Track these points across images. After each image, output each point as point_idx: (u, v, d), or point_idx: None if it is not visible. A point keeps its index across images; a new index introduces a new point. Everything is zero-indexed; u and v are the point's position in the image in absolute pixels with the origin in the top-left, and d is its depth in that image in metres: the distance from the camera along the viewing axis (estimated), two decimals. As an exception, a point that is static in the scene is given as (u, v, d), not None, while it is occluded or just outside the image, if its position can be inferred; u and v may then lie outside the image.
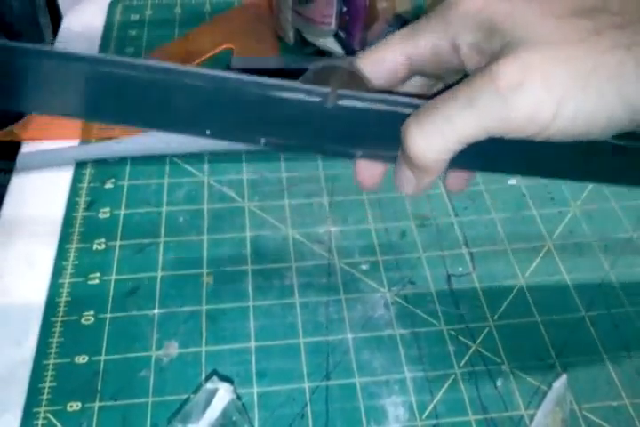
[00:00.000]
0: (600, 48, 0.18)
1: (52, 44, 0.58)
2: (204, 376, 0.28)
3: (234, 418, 0.22)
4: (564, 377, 0.25)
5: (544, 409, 0.24)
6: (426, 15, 0.22)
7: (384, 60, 0.23)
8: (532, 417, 0.26)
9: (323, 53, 0.45)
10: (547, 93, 0.18)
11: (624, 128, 0.18)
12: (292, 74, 0.24)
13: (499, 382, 0.28)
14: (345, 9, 0.42)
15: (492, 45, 0.19)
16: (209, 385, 0.23)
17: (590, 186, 0.37)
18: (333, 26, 0.43)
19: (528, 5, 0.19)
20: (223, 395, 0.23)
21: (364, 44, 0.45)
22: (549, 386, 0.27)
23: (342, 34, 0.44)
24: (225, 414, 0.22)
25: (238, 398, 0.25)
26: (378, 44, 0.23)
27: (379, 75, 0.23)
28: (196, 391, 0.25)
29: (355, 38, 0.44)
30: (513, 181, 0.37)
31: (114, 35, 0.47)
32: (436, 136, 0.19)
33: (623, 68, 0.17)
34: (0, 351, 0.29)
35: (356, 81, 0.25)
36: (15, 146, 0.39)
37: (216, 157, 0.38)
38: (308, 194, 0.36)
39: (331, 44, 0.45)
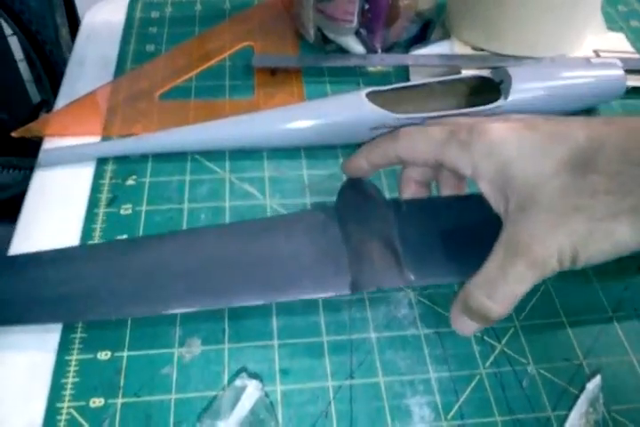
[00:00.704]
0: (596, 215, 0.21)
1: (70, 42, 0.58)
2: (227, 374, 0.27)
3: (261, 416, 0.22)
4: (597, 378, 0.25)
5: (578, 410, 0.24)
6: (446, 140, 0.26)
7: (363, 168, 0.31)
8: (559, 419, 0.25)
9: (344, 51, 0.45)
10: (556, 255, 0.22)
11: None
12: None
13: (525, 383, 0.27)
14: (367, 6, 0.42)
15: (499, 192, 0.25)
16: (238, 382, 0.23)
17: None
18: (355, 23, 0.43)
19: (529, 157, 0.23)
20: (252, 392, 0.22)
21: (385, 43, 0.45)
22: (579, 388, 0.26)
23: (363, 32, 0.44)
24: (253, 411, 0.22)
25: (266, 395, 0.25)
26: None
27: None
28: (223, 388, 0.24)
29: (376, 36, 0.44)
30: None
31: (134, 32, 0.47)
32: (504, 299, 0.24)
33: (615, 231, 0.21)
34: (23, 346, 0.29)
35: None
36: (35, 144, 0.39)
37: (237, 155, 0.38)
38: (329, 192, 0.36)
39: (352, 42, 0.44)
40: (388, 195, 0.35)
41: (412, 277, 0.28)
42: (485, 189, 0.25)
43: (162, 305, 0.29)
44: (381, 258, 0.29)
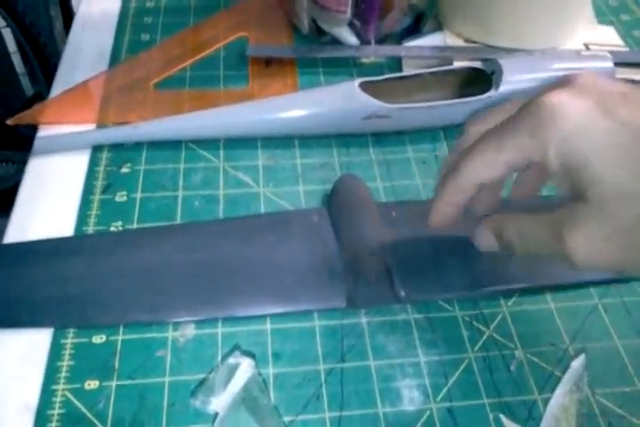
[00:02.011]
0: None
1: (64, 34, 0.58)
2: (220, 357, 0.28)
3: (254, 394, 0.23)
4: (581, 357, 0.26)
5: (563, 388, 0.24)
6: (516, 128, 0.23)
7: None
8: (545, 401, 0.26)
9: (338, 42, 0.45)
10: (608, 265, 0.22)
11: None
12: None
13: (512, 367, 0.28)
14: (361, -2, 0.42)
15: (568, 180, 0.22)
16: (231, 360, 0.23)
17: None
18: (348, 14, 0.43)
19: (606, 157, 0.21)
20: (245, 369, 0.23)
21: (379, 34, 0.45)
22: (563, 371, 0.27)
23: (357, 23, 0.44)
24: (246, 388, 0.22)
25: (259, 374, 0.25)
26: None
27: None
28: (217, 365, 0.25)
29: (369, 28, 0.44)
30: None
31: (129, 21, 0.47)
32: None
33: None
34: (20, 329, 0.29)
35: None
36: (29, 138, 0.39)
37: (231, 144, 0.38)
38: (322, 180, 0.36)
39: (345, 34, 0.45)
40: (383, 196, 0.36)
41: (402, 294, 0.29)
42: (556, 176, 0.23)
43: (165, 313, 0.29)
44: (375, 274, 0.30)
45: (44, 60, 1.02)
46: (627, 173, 0.20)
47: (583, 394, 0.24)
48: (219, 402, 0.22)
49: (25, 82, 1.09)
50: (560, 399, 0.24)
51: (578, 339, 0.29)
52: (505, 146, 0.24)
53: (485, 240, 0.26)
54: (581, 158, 0.21)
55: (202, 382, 0.24)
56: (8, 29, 0.99)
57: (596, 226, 0.21)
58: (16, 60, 1.07)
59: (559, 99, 0.22)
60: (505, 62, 0.39)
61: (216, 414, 0.23)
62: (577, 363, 0.25)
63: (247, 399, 0.23)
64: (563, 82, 0.24)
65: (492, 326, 0.29)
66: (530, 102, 0.23)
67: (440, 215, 0.27)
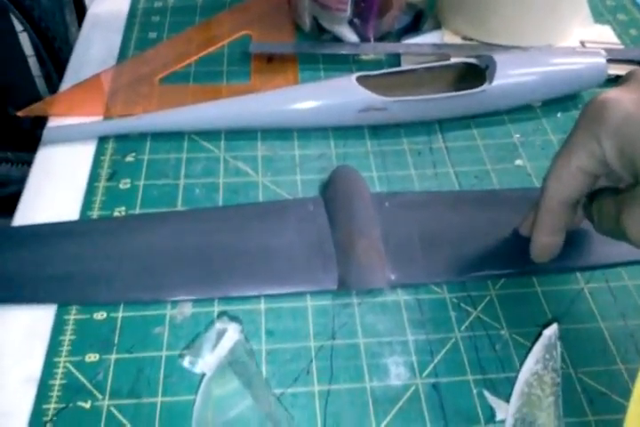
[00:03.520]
0: None
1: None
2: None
3: (242, 359, 0.24)
4: (554, 326, 0.26)
5: (534, 356, 0.25)
6: (576, 131, 0.25)
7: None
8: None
9: (338, 40, 0.47)
10: None
11: None
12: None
13: (497, 347, 0.29)
14: (360, -4, 0.44)
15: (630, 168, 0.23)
16: (218, 324, 0.25)
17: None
18: (348, 13, 0.44)
19: None
20: (232, 334, 0.24)
21: (378, 32, 0.46)
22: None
23: (357, 21, 0.45)
24: (233, 353, 0.24)
25: (246, 339, 0.26)
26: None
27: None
28: (205, 329, 0.26)
29: (369, 26, 0.46)
30: (519, 161, 0.38)
31: (137, 20, 0.49)
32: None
33: None
34: (25, 305, 0.30)
35: None
36: (35, 140, 0.40)
37: (232, 135, 0.40)
38: (319, 170, 0.37)
39: (346, 31, 0.46)
40: (377, 185, 0.37)
41: (393, 278, 0.30)
42: (615, 166, 0.24)
43: (164, 292, 0.30)
44: (366, 258, 0.31)
45: (59, 64, 1.04)
46: None
47: (557, 363, 0.25)
48: (206, 363, 0.24)
49: (41, 85, 1.12)
50: (532, 366, 0.24)
51: (563, 321, 0.30)
52: (571, 152, 0.25)
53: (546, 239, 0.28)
54: (634, 144, 0.22)
55: (190, 344, 0.26)
56: (25, 34, 1.02)
57: None
58: (32, 63, 1.10)
59: (607, 95, 0.24)
60: (499, 57, 0.40)
61: (203, 375, 0.24)
62: (549, 331, 0.26)
63: (234, 363, 0.24)
64: (618, 82, 0.25)
65: (479, 308, 0.30)
66: (584, 107, 0.25)
67: (539, 246, 0.29)
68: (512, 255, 0.31)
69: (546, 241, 0.29)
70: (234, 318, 0.28)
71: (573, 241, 0.32)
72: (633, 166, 0.23)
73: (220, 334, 0.24)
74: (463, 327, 0.30)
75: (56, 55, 1.04)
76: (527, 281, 0.32)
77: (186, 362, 0.24)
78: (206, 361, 0.23)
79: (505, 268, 0.31)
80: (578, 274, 0.32)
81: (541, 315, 0.30)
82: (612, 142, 0.23)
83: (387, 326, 0.30)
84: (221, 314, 0.27)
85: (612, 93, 0.24)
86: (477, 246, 0.32)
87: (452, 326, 0.30)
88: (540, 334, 0.26)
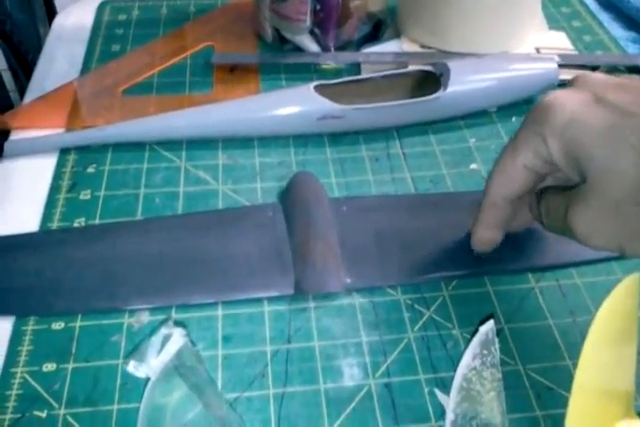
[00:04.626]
0: None
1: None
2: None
3: (188, 363, 0.24)
4: (490, 322, 0.27)
5: (471, 352, 0.26)
6: (523, 130, 0.26)
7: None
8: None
9: (300, 50, 0.47)
10: (607, 243, 0.24)
11: None
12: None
13: (449, 345, 0.29)
14: (318, 7, 0.45)
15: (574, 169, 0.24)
16: (163, 329, 0.25)
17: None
18: (308, 23, 0.45)
19: (598, 140, 0.23)
20: (177, 339, 0.24)
21: (338, 41, 0.47)
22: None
23: (317, 31, 0.46)
24: (179, 357, 0.24)
25: (193, 344, 0.27)
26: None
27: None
28: (150, 334, 0.26)
29: (329, 35, 0.46)
30: (474, 165, 0.39)
31: (102, 33, 0.49)
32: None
33: None
34: (-19, 317, 0.30)
35: None
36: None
37: (193, 145, 0.40)
38: (279, 178, 0.38)
39: (307, 41, 0.47)
40: (336, 191, 0.38)
41: (348, 281, 0.31)
42: (561, 165, 0.25)
43: (121, 301, 0.31)
44: (323, 262, 0.31)
45: (33, 77, 1.04)
46: (612, 151, 0.22)
47: (497, 358, 0.26)
48: (150, 368, 0.24)
49: (15, 98, 1.12)
50: (470, 362, 0.25)
51: (513, 319, 0.30)
52: (517, 150, 0.26)
53: (486, 233, 0.29)
54: (578, 144, 0.23)
55: (134, 349, 0.26)
56: (-1, 48, 1.01)
57: (594, 203, 0.23)
58: (6, 77, 1.10)
59: (555, 96, 0.25)
60: (453, 64, 0.41)
61: (148, 379, 0.25)
62: (485, 328, 0.26)
63: (180, 367, 0.24)
64: (566, 85, 0.26)
65: (432, 309, 0.31)
66: (532, 107, 0.26)
67: (481, 239, 0.30)
68: (465, 257, 0.32)
69: (485, 235, 0.30)
70: (179, 324, 0.28)
71: (525, 242, 0.32)
72: (578, 166, 0.24)
73: (166, 339, 0.24)
74: (416, 328, 0.30)
75: (29, 69, 1.04)
76: (479, 281, 0.32)
77: (130, 367, 0.24)
78: (151, 366, 0.24)
79: (458, 269, 0.32)
80: (529, 275, 0.33)
81: (492, 313, 0.31)
82: (557, 142, 0.24)
83: (341, 329, 0.30)
84: (166, 320, 0.28)
85: (559, 94, 0.25)
86: (431, 248, 0.33)
87: (405, 326, 0.30)
88: (476, 331, 0.27)
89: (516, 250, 0.32)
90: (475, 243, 0.30)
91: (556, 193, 0.27)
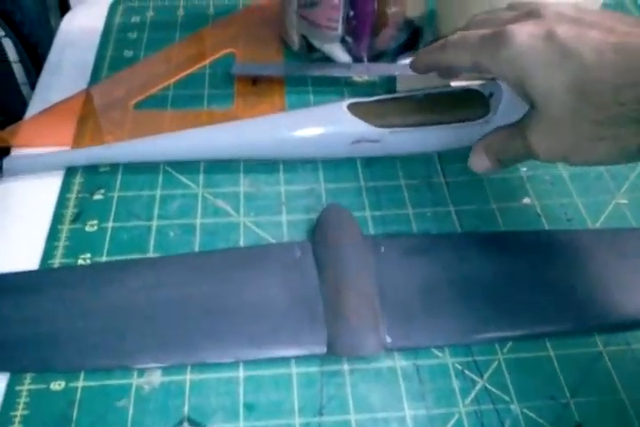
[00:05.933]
0: (585, 136, 0.26)
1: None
2: (187, 408, 0.26)
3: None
4: None
5: None
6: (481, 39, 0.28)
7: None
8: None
9: (329, 60, 0.43)
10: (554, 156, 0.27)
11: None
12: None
13: (507, 424, 0.25)
14: (352, 13, 0.40)
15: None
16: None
17: (610, 206, 0.34)
18: (339, 31, 0.41)
19: (542, 70, 0.26)
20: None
21: (372, 51, 0.43)
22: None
23: (349, 39, 0.42)
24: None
25: None
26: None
27: None
28: None
29: (362, 44, 0.42)
30: (527, 199, 0.35)
31: (113, 37, 0.45)
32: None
33: (598, 150, 0.26)
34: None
35: None
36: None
37: (212, 168, 0.36)
38: (307, 209, 0.34)
39: (337, 50, 0.42)
40: (371, 226, 0.33)
41: (389, 341, 0.27)
42: (512, 90, 0.28)
43: (130, 358, 0.27)
44: (358, 319, 0.27)
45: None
46: (551, 88, 0.25)
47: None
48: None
49: (26, 91, 1.08)
50: None
51: (580, 392, 0.26)
52: (475, 56, 0.28)
53: (478, 160, 0.31)
54: (527, 74, 0.26)
55: None
56: (8, 40, 0.98)
57: (546, 124, 0.26)
58: (17, 69, 1.06)
59: (519, 29, 0.26)
60: (505, 85, 0.36)
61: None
62: None
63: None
64: (531, 13, 0.28)
65: (485, 376, 0.27)
66: (498, 30, 0.27)
67: (415, 58, 0.33)
68: (523, 313, 0.28)
69: (420, 56, 0.33)
70: (195, 423, 0.24)
71: (590, 299, 0.28)
72: (524, 92, 0.27)
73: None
74: (468, 400, 0.26)
75: (40, 61, 1.01)
76: (538, 344, 0.28)
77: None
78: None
79: (515, 329, 0.28)
80: (595, 335, 0.28)
81: (555, 384, 0.27)
82: (512, 70, 0.26)
83: (381, 398, 0.26)
84: (180, 422, 0.24)
85: (523, 28, 0.26)
86: (484, 302, 0.29)
87: (455, 398, 0.26)
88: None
89: (580, 308, 0.28)
90: (412, 66, 0.34)
91: (509, 131, 0.29)
